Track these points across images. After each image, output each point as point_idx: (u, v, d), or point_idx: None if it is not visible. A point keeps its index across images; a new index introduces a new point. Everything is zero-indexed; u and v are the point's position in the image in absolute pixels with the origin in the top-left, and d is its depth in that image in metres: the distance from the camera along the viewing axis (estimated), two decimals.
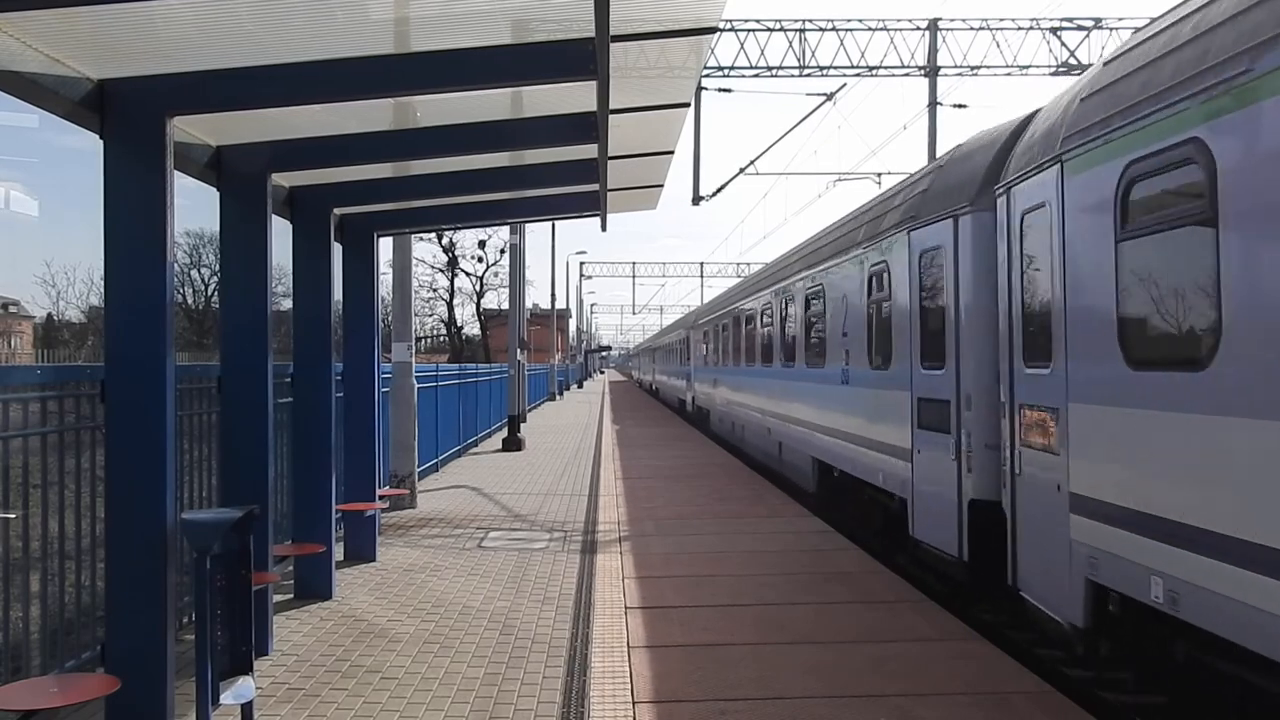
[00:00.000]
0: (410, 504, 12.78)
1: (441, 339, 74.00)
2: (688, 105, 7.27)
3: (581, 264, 79.99)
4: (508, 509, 12.85)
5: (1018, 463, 7.01)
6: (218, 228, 6.58)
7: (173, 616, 4.88)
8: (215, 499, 7.22)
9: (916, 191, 9.63)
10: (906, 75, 26.64)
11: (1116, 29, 25.67)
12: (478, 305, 71.14)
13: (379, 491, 9.89)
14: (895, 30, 26.42)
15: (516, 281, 25.08)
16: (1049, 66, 25.90)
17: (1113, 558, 5.59)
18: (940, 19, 26.48)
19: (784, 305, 15.96)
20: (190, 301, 67.04)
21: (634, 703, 5.54)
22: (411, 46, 5.25)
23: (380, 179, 8.23)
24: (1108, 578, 5.68)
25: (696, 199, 27.32)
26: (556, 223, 36.73)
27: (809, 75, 26.39)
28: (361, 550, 9.45)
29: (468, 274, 69.41)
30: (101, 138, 4.76)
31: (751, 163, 27.02)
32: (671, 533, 10.89)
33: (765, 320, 17.90)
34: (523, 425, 22.46)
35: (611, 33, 4.46)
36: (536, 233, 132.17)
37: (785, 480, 15.65)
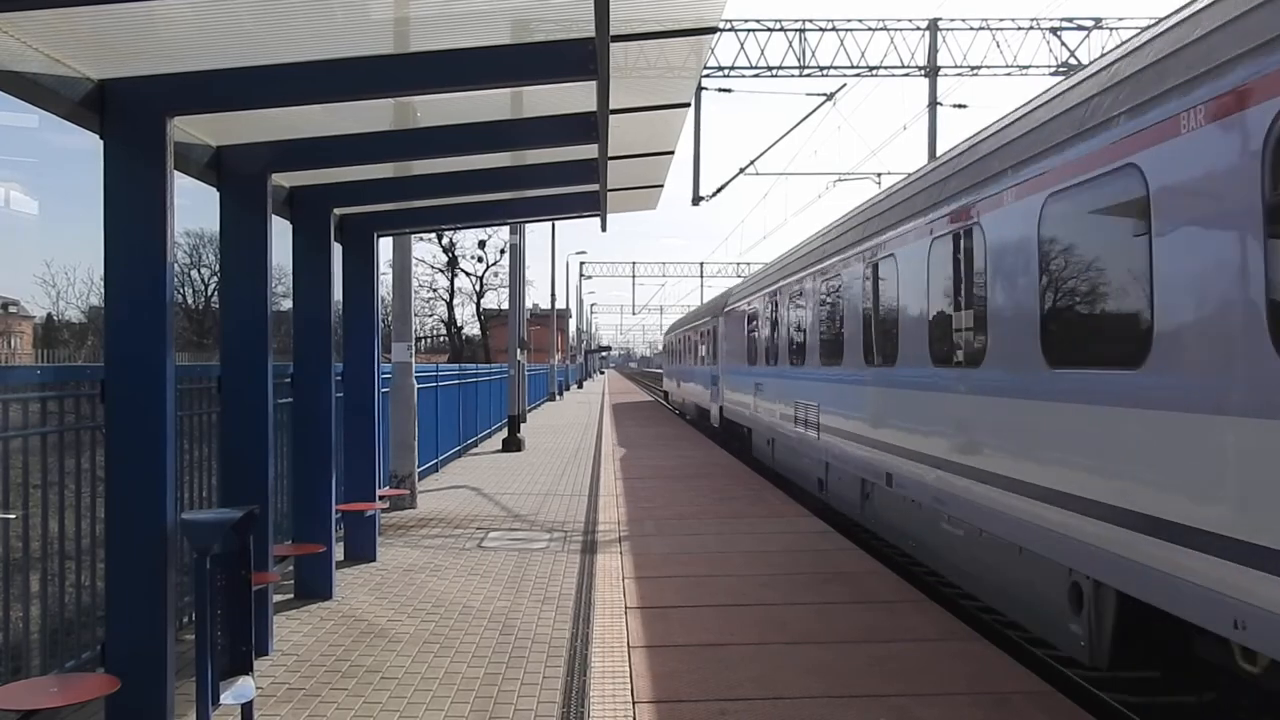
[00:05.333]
0: (410, 504, 12.78)
1: (441, 339, 74.00)
2: (688, 105, 7.26)
3: (581, 264, 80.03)
4: (508, 509, 12.85)
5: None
6: (218, 228, 6.58)
7: (173, 616, 4.88)
8: (215, 499, 7.23)
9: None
10: (906, 75, 26.65)
11: (1116, 29, 25.69)
12: (478, 305, 71.22)
13: (379, 491, 9.88)
14: (895, 30, 26.44)
15: (516, 281, 25.09)
16: (1049, 66, 25.90)
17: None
18: (940, 19, 26.49)
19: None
20: (190, 301, 66.99)
21: (634, 703, 5.54)
22: (411, 46, 5.25)
23: (380, 179, 8.22)
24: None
25: (696, 199, 27.34)
26: (556, 223, 36.73)
27: (809, 75, 26.41)
28: (361, 550, 9.45)
29: (468, 274, 69.50)
30: (101, 138, 4.75)
31: (751, 163, 27.05)
32: (672, 533, 10.89)
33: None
34: (523, 425, 22.46)
35: (611, 33, 4.46)
36: (536, 233, 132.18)
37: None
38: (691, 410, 33.68)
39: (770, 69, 26.18)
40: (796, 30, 26.20)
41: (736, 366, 21.81)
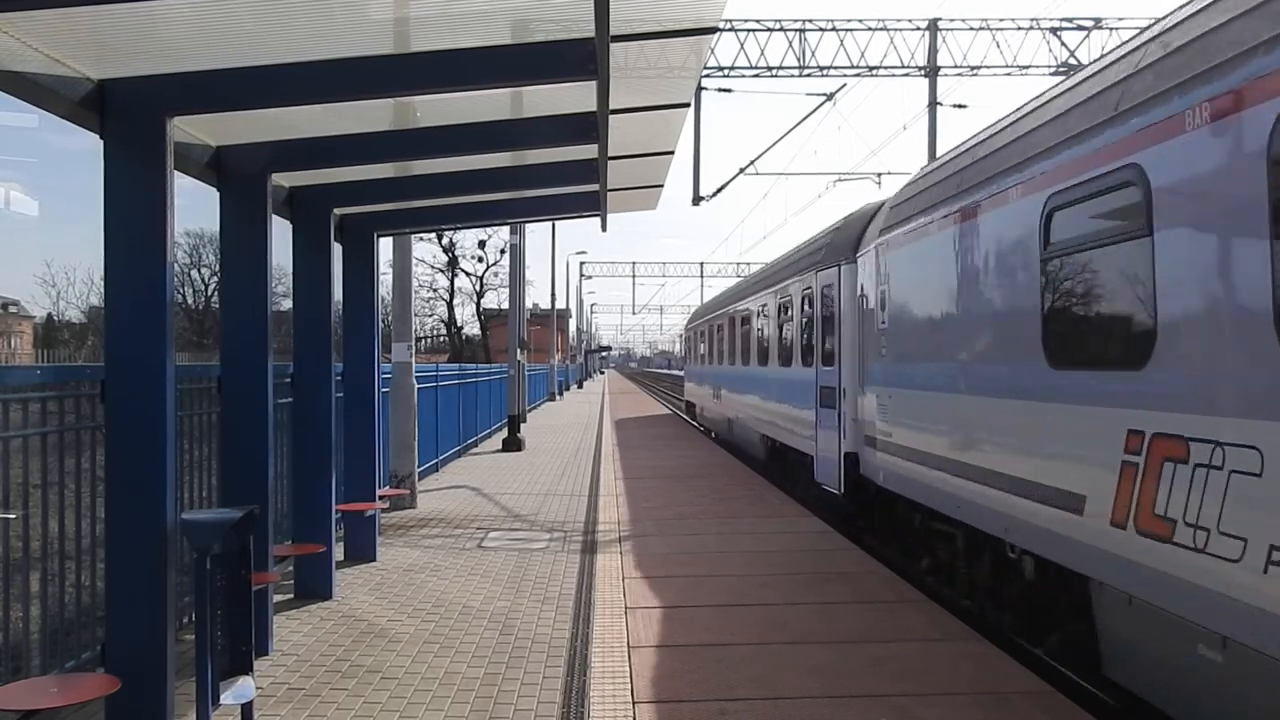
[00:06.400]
0: (410, 504, 12.78)
1: (441, 339, 74.03)
2: (688, 105, 7.26)
3: (581, 264, 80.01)
4: (508, 509, 12.85)
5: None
6: (218, 228, 6.58)
7: (173, 616, 4.88)
8: (215, 499, 7.22)
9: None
10: (906, 75, 26.64)
11: (1116, 29, 25.69)
12: (478, 305, 71.29)
13: (379, 491, 9.88)
14: (895, 30, 26.43)
15: (516, 281, 25.09)
16: (1049, 66, 25.89)
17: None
18: (940, 19, 26.49)
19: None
20: (190, 301, 67.06)
21: (634, 703, 5.54)
22: (411, 47, 5.25)
23: (380, 179, 8.22)
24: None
25: (696, 199, 27.32)
26: (556, 223, 36.76)
27: (809, 75, 26.41)
28: (361, 550, 9.45)
29: (468, 274, 69.58)
30: (101, 138, 4.76)
31: (751, 163, 27.03)
32: (672, 533, 10.89)
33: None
34: (523, 425, 22.46)
35: (611, 33, 4.46)
36: (536, 233, 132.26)
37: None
38: (752, 443, 19.11)
39: (770, 69, 26.18)
40: (796, 30, 26.20)
41: (984, 371, 7.60)
